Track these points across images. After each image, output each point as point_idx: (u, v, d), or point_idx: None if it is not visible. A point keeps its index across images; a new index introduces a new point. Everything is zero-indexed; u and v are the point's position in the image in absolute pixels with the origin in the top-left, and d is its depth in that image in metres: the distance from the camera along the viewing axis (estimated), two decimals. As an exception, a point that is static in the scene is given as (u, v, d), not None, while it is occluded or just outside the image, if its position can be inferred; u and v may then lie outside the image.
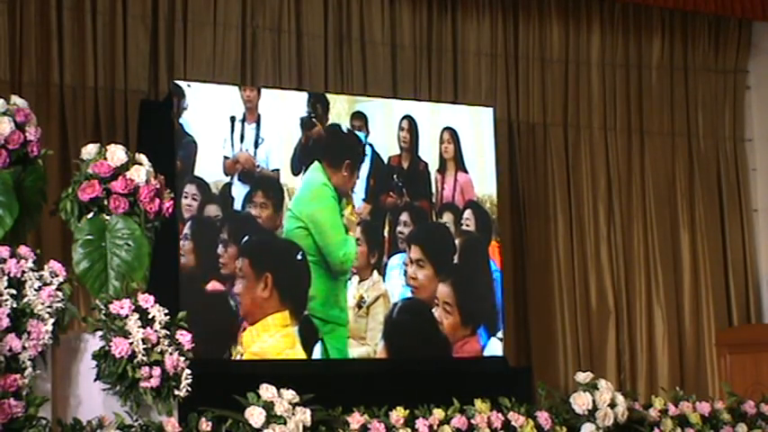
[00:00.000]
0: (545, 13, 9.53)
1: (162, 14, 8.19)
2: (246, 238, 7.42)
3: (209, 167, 7.40)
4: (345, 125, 7.89)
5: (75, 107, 7.88)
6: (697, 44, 10.09)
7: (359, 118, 7.94)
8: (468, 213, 8.20)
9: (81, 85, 7.92)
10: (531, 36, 9.48)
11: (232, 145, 7.48)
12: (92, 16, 7.99)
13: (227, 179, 7.46)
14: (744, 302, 9.93)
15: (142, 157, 5.05)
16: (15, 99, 4.94)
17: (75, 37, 7.92)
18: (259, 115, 7.59)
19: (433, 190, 8.13)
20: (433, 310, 7.97)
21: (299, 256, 7.55)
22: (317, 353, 7.56)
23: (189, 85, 7.48)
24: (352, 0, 8.83)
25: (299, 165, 7.67)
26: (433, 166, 8.15)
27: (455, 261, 8.11)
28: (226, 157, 7.46)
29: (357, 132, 7.89)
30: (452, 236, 8.13)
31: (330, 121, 7.82)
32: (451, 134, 8.23)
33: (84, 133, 7.78)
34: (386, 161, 7.98)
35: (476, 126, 8.38)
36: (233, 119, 7.52)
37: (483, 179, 8.30)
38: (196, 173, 7.36)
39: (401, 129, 8.08)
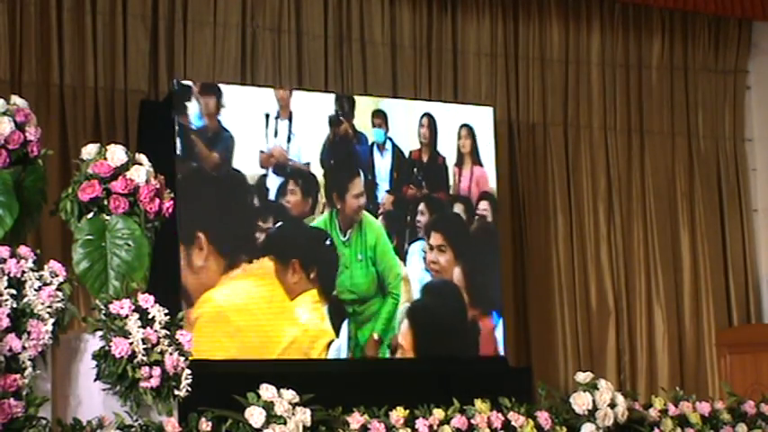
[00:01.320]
0: (545, 13, 9.53)
1: (162, 14, 8.20)
2: (271, 228, 7.74)
3: (245, 161, 7.69)
4: (368, 124, 8.15)
5: (75, 107, 7.89)
6: (697, 44, 10.09)
7: (379, 116, 8.19)
8: (484, 204, 8.45)
9: (81, 85, 7.92)
10: (531, 36, 9.48)
11: (266, 140, 7.81)
12: (92, 16, 8.00)
13: (263, 171, 7.74)
14: (744, 302, 9.93)
15: (142, 157, 5.05)
16: (15, 99, 4.94)
17: (75, 37, 7.93)
18: (291, 112, 7.86)
19: (451, 182, 8.38)
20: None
21: (328, 242, 7.88)
22: (343, 331, 7.80)
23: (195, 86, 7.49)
24: (352, 0, 8.83)
25: (328, 160, 7.95)
26: (451, 160, 8.37)
27: (468, 247, 8.37)
28: (261, 152, 7.74)
29: (377, 129, 8.16)
30: (465, 223, 8.39)
31: (356, 119, 8.08)
32: (469, 131, 8.45)
33: (84, 133, 7.79)
34: (407, 155, 8.25)
35: (476, 126, 8.48)
36: (267, 116, 7.80)
37: (483, 178, 8.49)
38: (234, 166, 7.63)
39: (421, 125, 8.31)
